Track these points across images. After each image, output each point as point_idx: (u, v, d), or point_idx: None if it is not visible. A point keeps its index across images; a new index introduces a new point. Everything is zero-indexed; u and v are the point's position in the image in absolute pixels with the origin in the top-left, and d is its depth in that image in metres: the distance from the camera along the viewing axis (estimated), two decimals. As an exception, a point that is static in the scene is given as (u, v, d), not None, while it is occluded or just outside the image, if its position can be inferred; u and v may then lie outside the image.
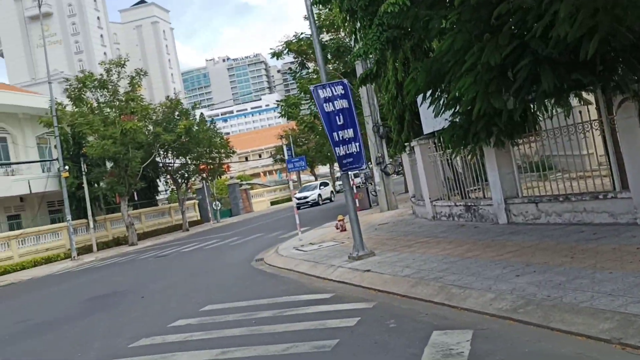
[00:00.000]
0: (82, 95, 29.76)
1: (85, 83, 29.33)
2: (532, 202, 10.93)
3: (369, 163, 20.00)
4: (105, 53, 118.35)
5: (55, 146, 32.01)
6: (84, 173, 30.44)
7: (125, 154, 29.80)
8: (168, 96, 35.75)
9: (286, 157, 16.96)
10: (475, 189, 13.51)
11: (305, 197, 42.65)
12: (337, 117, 10.74)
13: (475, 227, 12.00)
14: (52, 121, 28.28)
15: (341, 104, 10.77)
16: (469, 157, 12.34)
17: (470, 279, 7.30)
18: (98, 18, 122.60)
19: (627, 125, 8.64)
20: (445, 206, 14.20)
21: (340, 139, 10.75)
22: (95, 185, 32.28)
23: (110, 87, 30.12)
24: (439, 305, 6.82)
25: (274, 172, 72.79)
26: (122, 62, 29.98)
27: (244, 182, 55.54)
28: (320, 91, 10.71)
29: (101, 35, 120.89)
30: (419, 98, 14.42)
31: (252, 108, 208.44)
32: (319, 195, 43.00)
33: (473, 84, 9.41)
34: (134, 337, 7.64)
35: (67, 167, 28.27)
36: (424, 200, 15.30)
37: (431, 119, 13.97)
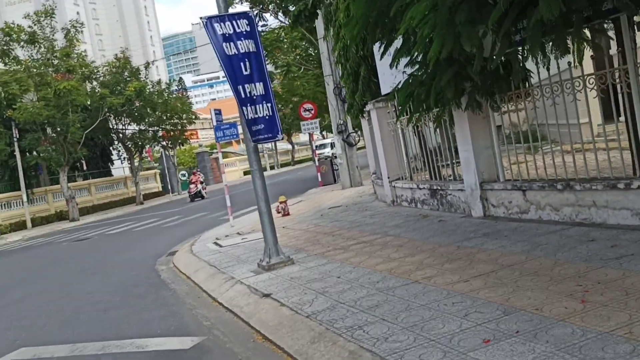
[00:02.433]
0: (10, 51, 25.88)
1: (12, 35, 25.43)
2: (517, 189, 7.75)
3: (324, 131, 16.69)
4: (78, 12, 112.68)
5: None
6: (15, 139, 26.79)
7: (61, 118, 26.14)
8: (116, 54, 31.87)
9: (214, 124, 13.64)
10: (449, 164, 10.21)
11: None
12: (241, 65, 7.39)
13: (439, 221, 8.83)
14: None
15: (247, 45, 7.41)
16: (434, 125, 9.10)
17: (405, 340, 4.13)
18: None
19: (673, 75, 5.42)
20: (406, 188, 11.00)
21: (248, 95, 7.43)
22: (34, 153, 28.61)
23: (42, 42, 26.23)
24: (337, 403, 3.65)
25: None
26: (51, 12, 26.01)
27: (214, 151, 51.98)
28: (216, 25, 7.33)
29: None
30: (376, 47, 11.25)
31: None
32: None
33: (431, 12, 6.12)
34: None
35: (-14, 134, 24.70)
36: (383, 179, 12.10)
37: (390, 74, 10.68)
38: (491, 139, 8.36)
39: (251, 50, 7.43)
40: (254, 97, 7.44)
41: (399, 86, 8.26)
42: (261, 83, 7.47)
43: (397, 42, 7.71)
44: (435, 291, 5.19)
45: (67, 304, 8.30)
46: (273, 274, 7.24)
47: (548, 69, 6.81)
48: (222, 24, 7.35)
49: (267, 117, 7.50)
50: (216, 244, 10.91)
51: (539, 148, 8.34)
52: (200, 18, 7.30)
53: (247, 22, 7.44)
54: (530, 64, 7.34)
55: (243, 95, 7.41)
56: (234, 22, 7.39)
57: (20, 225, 27.65)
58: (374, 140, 12.48)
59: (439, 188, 9.70)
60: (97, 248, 15.52)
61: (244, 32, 7.41)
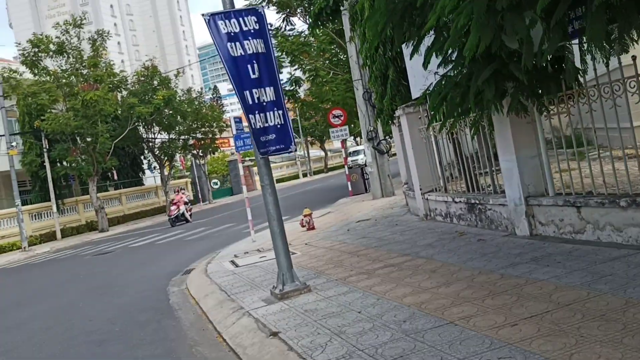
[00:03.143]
0: (39, 62, 25.75)
1: (40, 46, 25.29)
2: (571, 205, 6.65)
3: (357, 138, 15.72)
4: (115, 24, 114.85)
5: (18, 119, 28.40)
6: (44, 150, 26.64)
7: (90, 128, 25.88)
8: (144, 62, 31.58)
9: (234, 133, 12.84)
10: (487, 172, 9.08)
11: None
12: (249, 67, 6.54)
13: (478, 240, 7.78)
14: (-2, 89, 24.38)
15: (255, 45, 6.55)
16: (471, 132, 8.04)
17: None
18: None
19: None
20: (441, 201, 9.96)
21: (256, 101, 6.56)
22: (64, 163, 28.33)
23: (70, 51, 26.02)
24: None
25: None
26: (79, 22, 25.78)
27: (246, 158, 51.49)
28: (220, 23, 6.50)
29: (111, 6, 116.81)
30: (405, 47, 10.32)
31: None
32: None
33: (467, -4, 5.14)
34: None
35: (14, 144, 24.53)
36: (415, 191, 11.08)
37: (421, 76, 9.70)
38: (537, 147, 7.30)
39: (260, 50, 6.57)
40: (264, 104, 6.57)
41: (430, 88, 7.29)
42: (272, 88, 6.60)
43: (429, 40, 6.77)
44: (475, 338, 4.19)
45: (63, 332, 7.55)
46: (286, 304, 6.33)
47: (607, 65, 5.75)
48: (226, 21, 6.51)
49: (278, 126, 6.61)
50: (233, 262, 10.08)
51: (588, 156, 7.24)
52: (202, 15, 6.48)
53: (255, 20, 6.59)
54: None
55: (250, 102, 6.54)
56: (240, 20, 6.54)
57: (50, 236, 27.47)
58: (405, 148, 11.49)
59: (478, 202, 8.65)
60: (116, 263, 14.92)
61: (252, 31, 6.56)
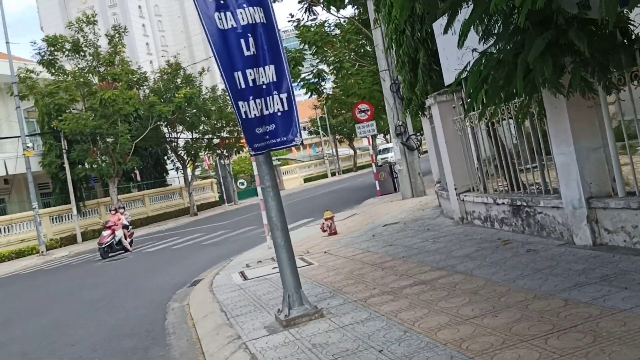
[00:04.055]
0: (56, 60, 25.09)
1: (55, 45, 24.62)
2: (648, 209, 5.28)
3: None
4: (144, 25, 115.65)
5: (37, 120, 27.90)
6: (64, 151, 25.99)
7: (109, 128, 25.13)
8: (168, 60, 30.73)
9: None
10: (536, 167, 7.71)
11: None
12: (242, 42, 5.32)
13: (528, 251, 6.43)
14: (14, 90, 23.62)
15: (251, 15, 5.34)
16: (518, 121, 6.68)
17: None
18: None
19: None
20: (479, 203, 8.61)
21: (249, 84, 5.33)
22: (84, 165, 27.65)
23: (86, 49, 25.32)
24: None
25: (307, 146, 66.94)
26: (92, 19, 25.02)
27: (273, 158, 50.51)
28: (207, -11, 5.32)
29: (139, 7, 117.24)
30: (437, 26, 9.08)
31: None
32: None
33: None
34: None
35: (29, 145, 23.87)
36: (449, 191, 9.74)
37: (455, 58, 8.38)
38: (601, 136, 5.92)
39: (258, 21, 5.35)
40: (262, 87, 5.36)
41: (467, 69, 5.97)
42: (272, 66, 5.38)
43: (464, 14, 5.48)
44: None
45: (37, 362, 6.51)
46: (291, 333, 5.12)
47: None
48: (215, -15, 5.31)
49: (279, 113, 5.39)
50: (242, 274, 8.92)
51: None
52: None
53: (252, -16, 5.37)
54: None
55: (242, 85, 5.31)
56: (233, -16, 5.34)
57: (70, 240, 26.81)
58: (437, 142, 10.16)
59: (525, 204, 7.28)
60: (124, 271, 13.94)
61: (247, -3, 5.35)
